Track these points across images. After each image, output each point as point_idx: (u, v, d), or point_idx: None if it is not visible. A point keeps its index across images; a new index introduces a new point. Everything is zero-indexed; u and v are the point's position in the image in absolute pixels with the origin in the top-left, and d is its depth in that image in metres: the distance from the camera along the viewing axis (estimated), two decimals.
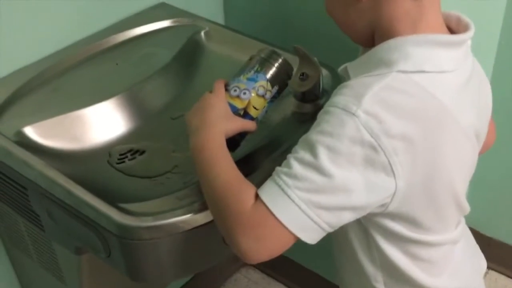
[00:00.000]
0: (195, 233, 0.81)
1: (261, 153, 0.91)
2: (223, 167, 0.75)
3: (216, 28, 1.19)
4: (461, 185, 0.78)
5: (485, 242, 1.69)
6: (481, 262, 0.91)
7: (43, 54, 1.08)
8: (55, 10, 1.08)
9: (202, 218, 0.80)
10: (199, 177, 0.77)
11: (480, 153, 0.88)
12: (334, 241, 0.84)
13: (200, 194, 0.79)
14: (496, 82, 1.45)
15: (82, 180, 0.86)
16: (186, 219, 0.80)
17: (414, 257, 0.79)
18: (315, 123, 0.71)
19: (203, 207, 0.80)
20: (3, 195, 1.00)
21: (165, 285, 1.37)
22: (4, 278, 1.21)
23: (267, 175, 0.74)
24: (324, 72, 0.96)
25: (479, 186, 1.63)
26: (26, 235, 1.05)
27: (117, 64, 1.10)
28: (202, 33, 1.17)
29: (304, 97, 0.95)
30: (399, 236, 0.76)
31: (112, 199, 0.83)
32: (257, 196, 0.71)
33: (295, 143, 0.74)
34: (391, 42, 0.71)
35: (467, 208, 0.82)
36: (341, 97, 0.69)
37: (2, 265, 1.19)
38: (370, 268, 0.81)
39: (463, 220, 0.85)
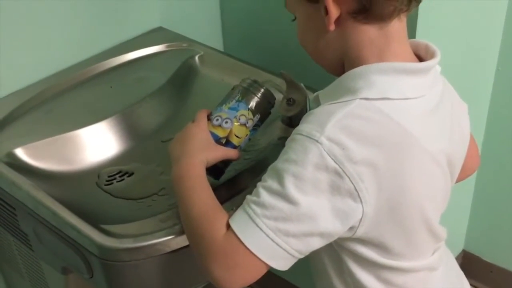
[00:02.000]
0: (176, 255, 0.82)
1: (247, 176, 0.92)
2: (201, 196, 0.76)
3: (211, 52, 1.21)
4: (433, 211, 0.78)
5: (487, 269, 1.67)
6: None
7: (39, 77, 1.11)
8: (52, 34, 1.11)
9: (183, 240, 0.81)
10: (178, 206, 0.78)
11: (463, 178, 0.88)
12: (311, 264, 0.84)
13: None
14: (494, 109, 1.45)
15: (69, 201, 0.88)
16: (167, 241, 0.81)
17: (387, 283, 0.78)
18: (282, 151, 0.72)
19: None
20: None
21: None
22: None
23: None
24: (312, 97, 0.97)
25: (480, 212, 1.61)
26: (17, 253, 1.06)
27: (111, 87, 1.12)
28: (197, 57, 1.18)
29: (291, 122, 0.96)
30: (371, 262, 0.76)
31: (96, 221, 0.84)
32: (229, 225, 0.71)
33: None
34: (356, 70, 0.72)
35: (442, 235, 0.81)
36: (306, 125, 0.70)
37: None
38: None
39: (442, 247, 0.84)
